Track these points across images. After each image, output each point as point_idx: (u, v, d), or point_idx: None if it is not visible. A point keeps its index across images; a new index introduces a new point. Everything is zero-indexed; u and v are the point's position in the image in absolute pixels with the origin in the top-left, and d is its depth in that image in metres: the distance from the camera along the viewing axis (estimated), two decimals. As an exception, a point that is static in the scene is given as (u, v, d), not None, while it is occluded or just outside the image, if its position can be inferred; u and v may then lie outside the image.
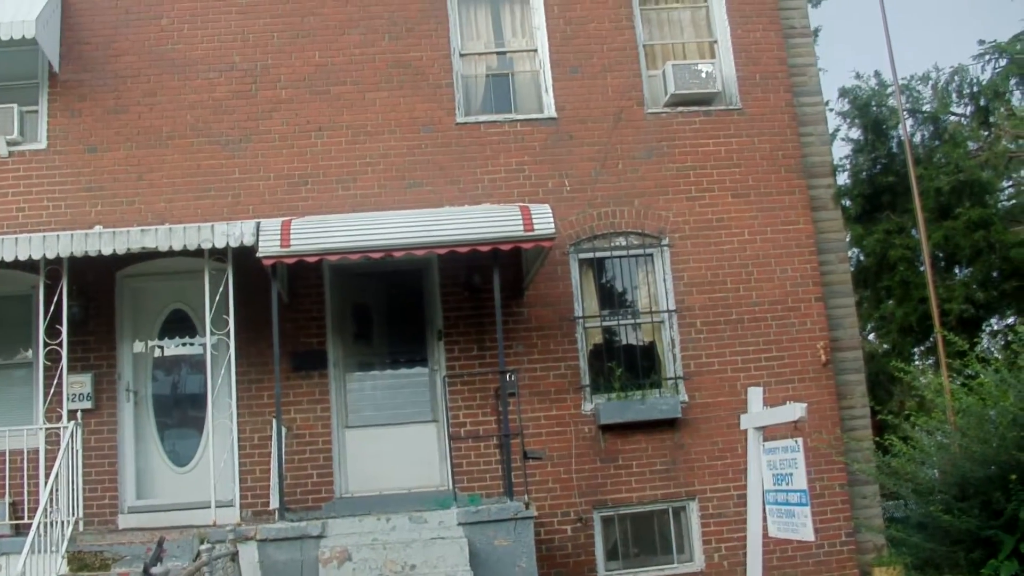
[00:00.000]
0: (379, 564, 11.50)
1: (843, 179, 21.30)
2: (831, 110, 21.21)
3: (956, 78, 21.82)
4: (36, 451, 12.74)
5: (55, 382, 12.95)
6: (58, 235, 12.65)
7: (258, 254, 12.56)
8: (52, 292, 12.89)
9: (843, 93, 21.99)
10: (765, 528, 10.76)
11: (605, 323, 15.08)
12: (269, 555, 11.76)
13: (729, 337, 14.83)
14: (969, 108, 22.07)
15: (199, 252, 12.93)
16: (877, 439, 14.29)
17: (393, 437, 14.36)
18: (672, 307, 14.87)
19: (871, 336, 25.88)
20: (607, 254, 15.07)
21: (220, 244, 12.73)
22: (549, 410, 14.39)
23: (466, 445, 14.14)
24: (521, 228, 12.82)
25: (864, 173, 21.10)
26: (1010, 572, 11.01)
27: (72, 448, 12.41)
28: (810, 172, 15.59)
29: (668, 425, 14.44)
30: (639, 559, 14.36)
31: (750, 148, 15.41)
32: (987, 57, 21.21)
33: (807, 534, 9.78)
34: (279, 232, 12.70)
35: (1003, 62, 20.96)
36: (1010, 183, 22.30)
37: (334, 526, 12.00)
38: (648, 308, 15.05)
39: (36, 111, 14.94)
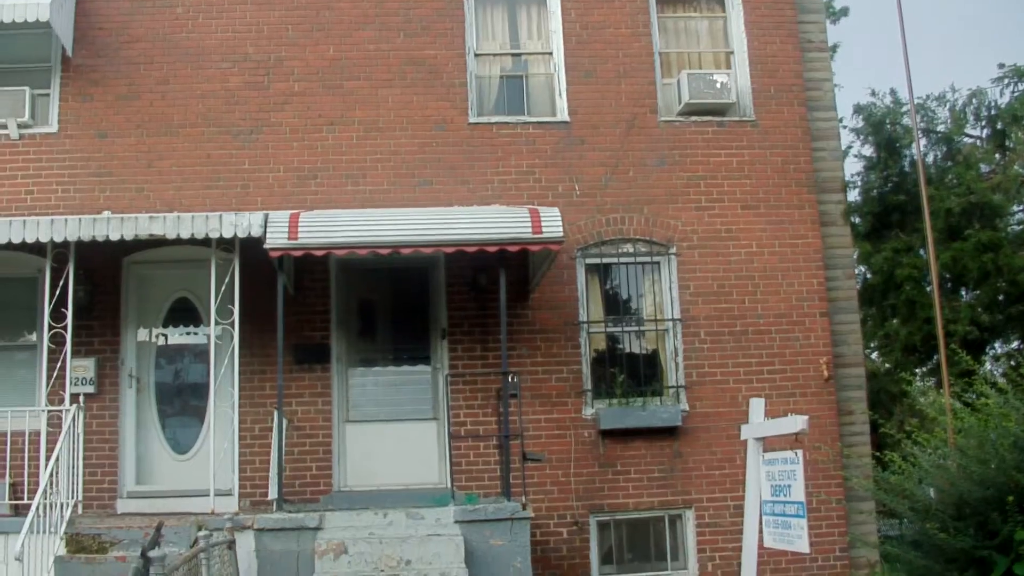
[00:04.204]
0: (375, 558, 11.53)
1: (854, 196, 21.23)
2: (845, 126, 21.12)
3: (974, 100, 21.72)
4: (38, 433, 12.77)
5: (59, 365, 13.03)
6: (66, 219, 12.71)
7: (265, 245, 12.59)
8: (58, 276, 12.97)
9: (857, 110, 21.89)
10: (761, 539, 10.75)
11: (609, 329, 15.08)
12: (266, 545, 11.80)
13: (732, 348, 14.84)
14: (985, 131, 21.99)
15: (206, 241, 12.99)
16: (876, 454, 14.27)
17: (393, 433, 14.39)
18: (677, 316, 14.88)
19: (874, 355, 25.81)
20: (614, 260, 15.10)
21: (228, 234, 12.78)
22: (550, 413, 14.41)
23: (466, 444, 14.16)
24: (529, 230, 12.84)
25: (875, 191, 21.00)
26: (1002, 593, 10.98)
27: (73, 431, 12.50)
28: (821, 187, 15.58)
29: (668, 433, 14.45)
30: (633, 565, 14.37)
31: (762, 160, 15.41)
32: (1006, 81, 21.14)
33: (803, 546, 9.77)
34: (287, 224, 12.73)
35: (1022, 86, 20.90)
36: (1021, 207, 22.20)
37: (331, 519, 12.05)
38: (653, 316, 15.07)
39: (48, 95, 14.97)
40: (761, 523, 10.71)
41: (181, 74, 15.03)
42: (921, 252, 19.71)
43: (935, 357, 20.24)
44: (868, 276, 22.25)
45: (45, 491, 11.50)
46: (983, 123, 21.60)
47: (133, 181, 14.65)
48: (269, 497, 13.04)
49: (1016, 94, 20.78)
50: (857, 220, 20.54)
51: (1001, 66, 20.80)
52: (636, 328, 15.12)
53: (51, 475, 11.74)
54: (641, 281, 15.24)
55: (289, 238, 12.61)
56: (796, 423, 9.95)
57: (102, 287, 14.32)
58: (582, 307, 14.85)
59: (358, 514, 12.18)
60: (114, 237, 12.62)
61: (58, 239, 12.64)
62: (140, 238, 12.73)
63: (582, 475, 14.27)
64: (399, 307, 15.19)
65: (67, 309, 12.92)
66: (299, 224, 12.76)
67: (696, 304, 14.90)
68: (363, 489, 14.05)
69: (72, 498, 12.31)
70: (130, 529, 11.93)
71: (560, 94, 15.48)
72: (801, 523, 9.75)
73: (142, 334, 14.69)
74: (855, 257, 18.88)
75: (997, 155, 21.48)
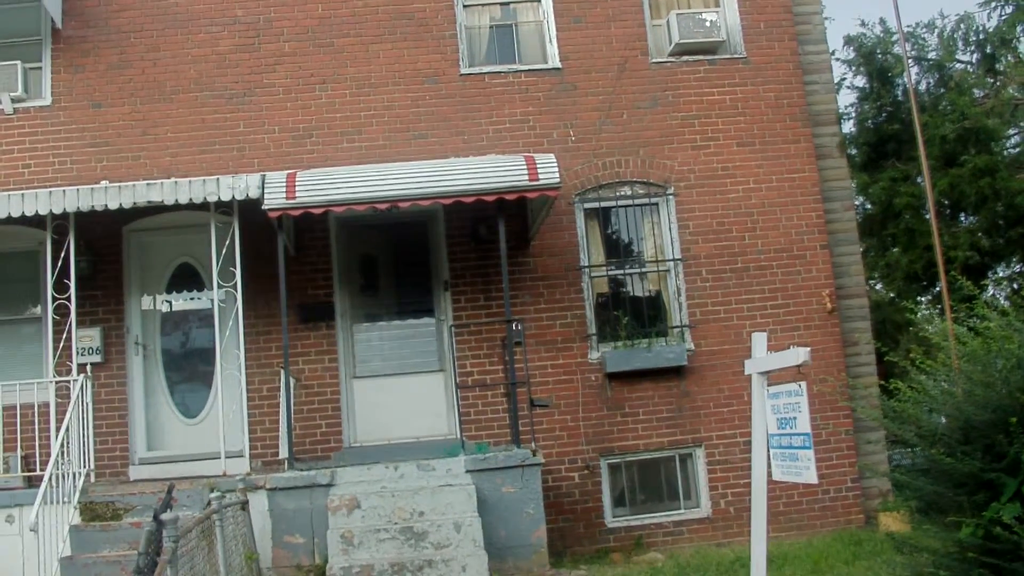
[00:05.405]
0: (388, 511, 11.62)
1: (848, 127, 21.28)
2: (836, 58, 21.18)
3: (962, 25, 21.67)
4: (47, 404, 12.82)
5: (64, 336, 13.09)
6: (64, 190, 12.72)
7: (264, 206, 12.62)
8: (59, 247, 12.99)
9: (848, 41, 21.90)
10: (769, 473, 10.82)
11: (611, 272, 15.12)
12: (279, 504, 11.91)
13: (734, 285, 14.88)
14: (975, 56, 21.96)
15: (205, 206, 13.01)
16: (883, 383, 14.32)
17: (401, 387, 14.46)
18: (678, 256, 14.90)
19: (878, 286, 25.90)
20: (612, 204, 15.12)
21: (226, 197, 12.79)
22: (556, 359, 14.47)
23: (473, 394, 14.24)
24: (526, 178, 12.85)
25: (869, 121, 21.06)
26: (1012, 514, 11.00)
27: (82, 401, 12.55)
28: (815, 120, 15.58)
29: (674, 373, 14.52)
30: (646, 506, 14.47)
31: (755, 97, 15.40)
32: (993, 4, 21.09)
33: (810, 477, 9.81)
34: (284, 184, 12.74)
35: (1009, 9, 20.86)
36: (1015, 131, 22.21)
37: (343, 475, 12.13)
38: (654, 257, 15.10)
39: (40, 68, 14.92)
40: (769, 457, 10.79)
41: (171, 40, 14.98)
42: (918, 180, 19.74)
43: (937, 284, 20.31)
44: (867, 207, 22.34)
45: (56, 461, 11.57)
46: (973, 48, 21.59)
47: (129, 149, 14.63)
48: (280, 456, 13.12)
49: (1004, 17, 20.75)
50: (853, 151, 20.58)
51: (989, -11, 20.77)
52: (638, 270, 15.16)
53: (62, 445, 11.81)
54: (640, 223, 15.25)
55: (287, 198, 12.63)
56: (798, 355, 9.97)
57: (103, 257, 14.36)
58: (583, 252, 14.89)
59: (369, 468, 12.27)
60: (113, 206, 12.64)
61: (57, 210, 12.64)
62: (139, 206, 12.77)
63: (591, 419, 14.36)
64: (401, 261, 15.22)
65: (70, 280, 12.94)
66: (296, 183, 12.77)
67: (696, 243, 14.93)
68: (373, 444, 14.15)
69: (84, 467, 12.38)
70: (143, 495, 12.00)
71: (551, 41, 15.44)
72: (808, 455, 9.80)
73: (146, 301, 14.74)
74: (853, 188, 18.91)
75: (989, 79, 21.48)
